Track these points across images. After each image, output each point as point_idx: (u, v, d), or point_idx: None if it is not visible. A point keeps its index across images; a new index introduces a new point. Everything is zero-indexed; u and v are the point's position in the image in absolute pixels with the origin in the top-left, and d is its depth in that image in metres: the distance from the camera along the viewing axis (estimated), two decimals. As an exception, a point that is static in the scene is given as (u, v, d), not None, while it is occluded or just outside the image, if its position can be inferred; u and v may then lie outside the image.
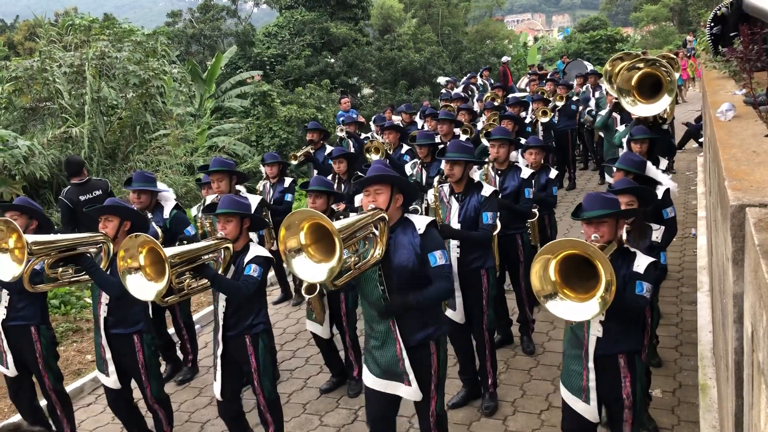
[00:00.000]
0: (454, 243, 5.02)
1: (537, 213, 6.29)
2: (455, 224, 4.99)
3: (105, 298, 4.62)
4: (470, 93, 14.56)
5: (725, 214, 2.76)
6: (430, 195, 5.23)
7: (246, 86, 20.97)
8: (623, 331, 3.56)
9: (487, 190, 5.03)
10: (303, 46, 25.37)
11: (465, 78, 17.24)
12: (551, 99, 11.46)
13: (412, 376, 3.79)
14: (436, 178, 5.27)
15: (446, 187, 5.12)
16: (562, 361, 3.89)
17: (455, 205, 5.04)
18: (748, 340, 2.25)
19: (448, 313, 5.08)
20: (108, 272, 4.55)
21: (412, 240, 3.75)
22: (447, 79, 18.65)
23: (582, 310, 3.14)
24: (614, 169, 7.41)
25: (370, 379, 3.94)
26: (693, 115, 15.65)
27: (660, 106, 6.05)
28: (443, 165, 5.11)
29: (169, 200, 6.00)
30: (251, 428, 4.83)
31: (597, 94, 12.10)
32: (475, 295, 5.08)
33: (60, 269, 4.54)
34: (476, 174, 5.68)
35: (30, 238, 4.23)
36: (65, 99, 12.68)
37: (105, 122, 13.34)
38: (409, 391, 3.84)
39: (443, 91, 16.16)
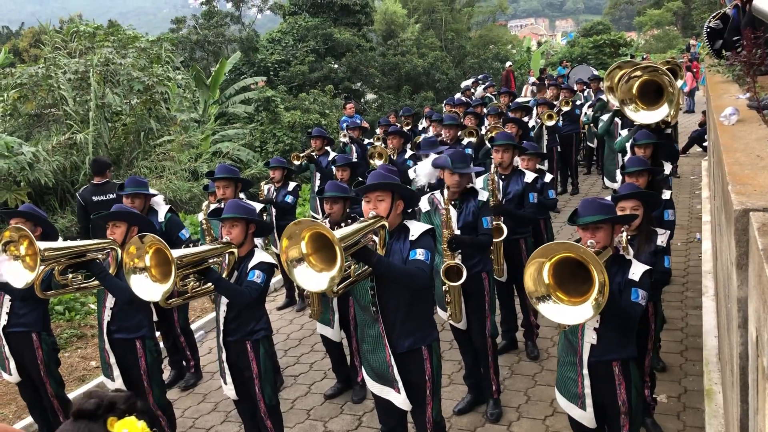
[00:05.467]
0: None
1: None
2: (455, 230, 4.96)
3: (110, 302, 4.63)
4: (472, 100, 14.56)
5: (729, 218, 2.75)
6: (424, 202, 5.10)
7: (250, 92, 21.02)
8: (617, 339, 3.56)
9: (483, 195, 5.04)
10: (307, 52, 25.41)
11: (482, 88, 17.08)
12: (556, 103, 11.47)
13: (401, 384, 3.80)
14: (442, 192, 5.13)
15: (438, 195, 5.07)
16: (557, 368, 3.88)
17: (453, 212, 5.01)
18: (753, 345, 2.24)
19: (452, 319, 5.07)
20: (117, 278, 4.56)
21: (402, 246, 3.78)
22: (472, 80, 18.59)
23: (575, 313, 3.12)
24: (617, 173, 7.41)
25: (369, 383, 4.02)
26: (697, 120, 15.62)
27: (662, 111, 6.01)
28: (446, 176, 5.02)
29: (161, 204, 6.07)
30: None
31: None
32: (478, 301, 5.06)
33: (70, 275, 4.55)
34: (480, 180, 5.67)
35: (42, 245, 4.23)
36: (70, 105, 12.75)
37: (109, 128, 13.41)
38: (398, 399, 3.84)
39: (472, 90, 16.28)
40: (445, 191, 5.00)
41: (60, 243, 4.59)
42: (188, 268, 4.00)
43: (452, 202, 5.01)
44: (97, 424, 1.71)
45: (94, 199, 7.27)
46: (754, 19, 4.62)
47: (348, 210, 5.30)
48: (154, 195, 6.11)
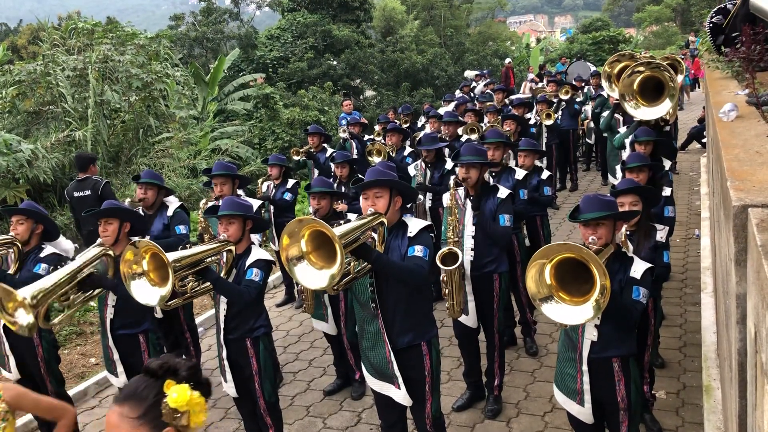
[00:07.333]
0: (467, 246, 5.00)
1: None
2: (470, 226, 4.99)
3: (111, 300, 4.63)
4: (471, 96, 14.57)
5: (728, 214, 2.75)
6: (446, 198, 5.16)
7: (249, 89, 20.98)
8: (617, 336, 3.56)
9: (503, 192, 5.02)
10: (305, 49, 25.36)
11: (483, 84, 17.11)
12: (554, 100, 11.46)
13: (401, 380, 3.81)
14: (452, 179, 5.15)
15: (461, 191, 5.08)
16: (556, 364, 3.89)
17: (470, 208, 5.03)
18: (751, 341, 2.24)
19: (461, 318, 5.08)
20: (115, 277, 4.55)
21: (401, 243, 3.78)
22: (476, 73, 18.61)
23: (576, 313, 3.13)
24: (618, 169, 7.42)
25: (368, 379, 4.03)
26: (696, 116, 15.62)
27: (663, 108, 6.01)
28: (456, 168, 5.06)
29: (173, 202, 6.08)
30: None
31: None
32: (487, 299, 5.08)
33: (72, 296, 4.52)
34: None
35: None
36: (68, 102, 12.71)
37: (108, 125, 13.38)
38: (398, 395, 3.86)
39: (474, 84, 16.28)
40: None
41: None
42: (186, 269, 3.99)
43: (470, 198, 5.03)
44: (157, 382, 1.96)
45: (75, 195, 7.27)
46: (750, 14, 4.62)
47: (347, 208, 5.33)
48: (171, 191, 6.15)
